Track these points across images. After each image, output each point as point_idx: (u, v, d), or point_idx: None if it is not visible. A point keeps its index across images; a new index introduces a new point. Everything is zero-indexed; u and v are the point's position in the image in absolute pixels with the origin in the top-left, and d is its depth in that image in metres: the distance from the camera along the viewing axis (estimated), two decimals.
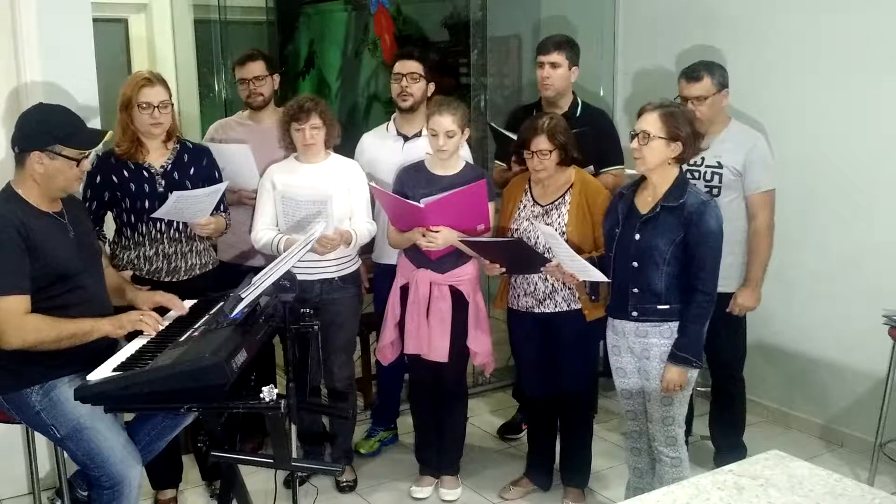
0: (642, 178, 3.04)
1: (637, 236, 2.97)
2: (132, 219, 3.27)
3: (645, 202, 2.99)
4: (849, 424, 4.11)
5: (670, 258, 2.92)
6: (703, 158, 3.54)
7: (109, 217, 3.36)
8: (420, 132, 3.74)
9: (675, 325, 2.96)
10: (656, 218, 2.94)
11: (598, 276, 3.04)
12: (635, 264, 2.97)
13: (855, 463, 3.93)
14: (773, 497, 1.80)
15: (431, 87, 3.77)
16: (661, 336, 2.98)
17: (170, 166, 3.29)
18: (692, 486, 1.85)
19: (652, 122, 2.89)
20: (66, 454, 2.91)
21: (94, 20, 3.48)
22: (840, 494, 1.80)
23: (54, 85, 3.36)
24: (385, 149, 3.75)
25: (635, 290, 2.98)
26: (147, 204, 3.20)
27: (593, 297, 3.24)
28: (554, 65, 3.74)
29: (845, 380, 4.10)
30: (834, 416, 4.19)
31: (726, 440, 3.84)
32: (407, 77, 3.69)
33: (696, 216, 2.88)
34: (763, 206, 3.54)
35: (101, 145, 2.81)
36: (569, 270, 3.10)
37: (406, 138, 3.76)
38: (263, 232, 3.45)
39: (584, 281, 3.18)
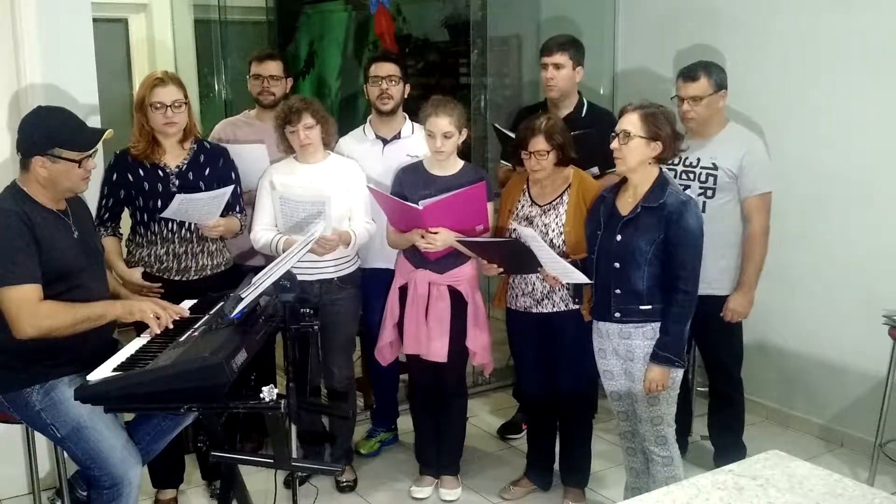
0: (623, 181, 3.05)
1: (619, 237, 2.97)
2: (145, 217, 3.29)
3: (626, 203, 3.00)
4: (849, 424, 4.11)
5: (651, 258, 2.93)
6: (698, 159, 3.54)
7: (126, 214, 3.39)
8: (399, 134, 3.73)
9: (657, 325, 2.97)
10: (637, 219, 2.94)
11: (581, 277, 3.05)
12: (617, 265, 2.98)
13: (855, 463, 3.94)
14: (773, 497, 1.80)
15: (407, 88, 3.76)
16: (644, 337, 2.98)
17: (185, 166, 3.30)
18: (692, 487, 1.85)
19: (632, 122, 2.90)
20: (66, 454, 2.91)
21: (94, 20, 3.48)
22: (840, 494, 1.80)
23: (55, 85, 3.36)
24: (365, 153, 3.71)
25: (617, 292, 2.99)
26: (160, 203, 3.22)
27: (576, 300, 3.25)
28: (557, 66, 3.73)
29: (845, 380, 4.10)
30: (834, 416, 4.19)
31: (725, 440, 3.83)
32: (386, 80, 3.66)
33: (677, 216, 2.89)
34: (759, 209, 3.53)
35: (110, 142, 2.81)
36: (551, 273, 3.11)
37: (385, 141, 3.74)
38: (262, 232, 3.45)
39: (567, 283, 3.19)
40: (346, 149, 3.75)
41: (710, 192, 3.52)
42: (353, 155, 3.70)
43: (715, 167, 3.51)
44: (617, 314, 3.01)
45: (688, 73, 3.52)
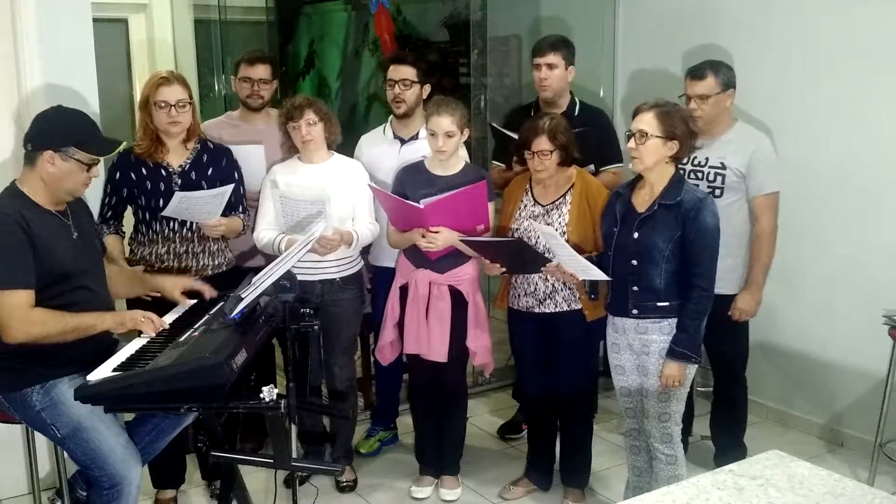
0: (639, 178, 3.05)
1: (636, 234, 2.98)
2: (147, 216, 3.30)
3: (642, 201, 3.01)
4: (849, 424, 4.11)
5: (669, 255, 2.93)
6: (706, 159, 3.54)
7: (128, 213, 3.39)
8: (417, 135, 3.73)
9: (674, 321, 2.98)
10: (654, 216, 2.95)
11: (599, 274, 3.05)
12: (634, 262, 2.98)
13: (855, 463, 3.93)
14: (773, 497, 1.80)
15: (427, 89, 3.75)
16: (660, 332, 2.99)
17: (188, 166, 3.31)
18: (692, 486, 1.85)
19: (648, 122, 2.90)
20: (66, 454, 2.91)
21: (94, 20, 3.48)
22: (840, 494, 1.80)
23: (55, 85, 3.35)
24: (382, 152, 3.73)
25: (635, 289, 3.00)
26: (162, 203, 3.22)
27: (593, 297, 3.25)
28: (550, 66, 3.74)
29: (845, 380, 4.10)
30: (834, 416, 4.19)
31: (727, 440, 3.83)
32: (399, 84, 3.67)
33: (694, 213, 2.90)
34: (766, 209, 3.53)
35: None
36: (569, 270, 3.11)
37: (403, 141, 3.75)
38: (265, 232, 3.45)
39: (584, 280, 3.19)
40: (364, 147, 3.78)
41: (717, 192, 3.51)
42: (370, 153, 3.73)
43: (723, 166, 3.51)
44: (634, 311, 3.01)
45: (695, 72, 3.52)
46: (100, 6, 3.80)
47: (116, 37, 6.31)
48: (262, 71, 3.82)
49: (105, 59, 3.95)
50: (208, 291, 3.05)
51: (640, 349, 3.05)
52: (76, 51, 3.41)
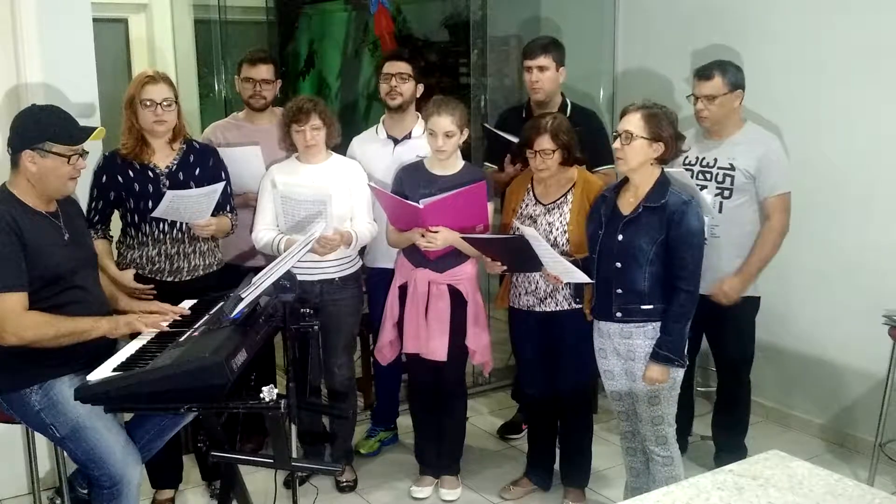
0: (625, 180, 3.05)
1: (620, 237, 2.98)
2: (136, 219, 3.27)
3: (627, 203, 3.01)
4: (849, 424, 4.11)
5: (653, 258, 2.93)
6: (715, 160, 3.53)
7: (116, 216, 3.37)
8: (410, 134, 3.73)
9: (659, 325, 2.97)
10: (639, 218, 2.95)
11: (581, 277, 3.06)
12: (618, 265, 2.98)
13: (855, 463, 3.93)
14: (773, 497, 1.80)
15: (420, 88, 3.75)
16: (645, 337, 2.99)
17: (175, 167, 3.29)
18: (692, 486, 1.85)
19: (634, 123, 2.91)
20: (65, 454, 2.91)
21: (94, 20, 3.48)
22: (840, 494, 1.80)
23: (54, 85, 3.35)
24: (375, 152, 3.73)
25: (619, 291, 2.99)
26: (151, 204, 3.20)
27: (577, 300, 3.25)
28: (542, 68, 3.74)
29: (845, 380, 4.10)
30: (834, 416, 4.18)
31: (728, 441, 3.83)
32: (396, 77, 3.67)
33: (678, 216, 2.89)
34: (779, 209, 3.50)
35: (108, 143, 2.81)
36: (552, 272, 3.11)
37: (396, 141, 3.75)
38: (264, 232, 3.45)
39: (568, 283, 3.19)
40: (357, 147, 3.78)
41: (727, 193, 3.50)
42: (364, 153, 3.72)
43: (732, 168, 3.49)
44: (618, 314, 3.01)
45: (702, 72, 3.51)
46: (100, 6, 3.80)
47: (116, 37, 6.30)
48: (264, 71, 3.82)
49: (105, 59, 3.95)
50: (170, 311, 2.96)
51: (626, 354, 3.05)
52: (76, 51, 3.41)
